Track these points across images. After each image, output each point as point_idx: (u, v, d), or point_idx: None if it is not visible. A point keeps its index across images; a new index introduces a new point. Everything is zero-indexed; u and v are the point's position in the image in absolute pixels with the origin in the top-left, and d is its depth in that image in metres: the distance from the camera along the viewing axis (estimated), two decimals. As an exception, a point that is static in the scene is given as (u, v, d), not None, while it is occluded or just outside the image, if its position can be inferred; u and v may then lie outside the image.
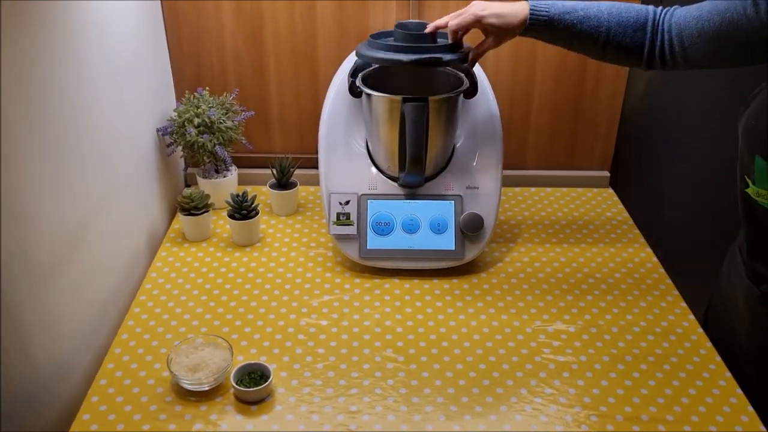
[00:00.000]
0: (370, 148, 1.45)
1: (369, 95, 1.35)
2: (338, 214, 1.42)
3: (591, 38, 1.12)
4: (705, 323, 1.31)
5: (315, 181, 1.60)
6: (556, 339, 1.26)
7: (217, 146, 1.54)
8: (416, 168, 1.34)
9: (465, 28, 1.20)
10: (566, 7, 1.13)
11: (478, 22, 1.17)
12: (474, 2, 1.19)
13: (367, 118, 1.41)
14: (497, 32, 1.18)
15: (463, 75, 1.40)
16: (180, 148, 1.57)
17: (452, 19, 1.20)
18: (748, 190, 1.06)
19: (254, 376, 1.13)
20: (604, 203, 1.73)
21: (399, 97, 1.30)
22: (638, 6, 1.13)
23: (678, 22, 1.08)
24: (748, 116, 1.06)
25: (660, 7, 1.12)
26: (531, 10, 1.13)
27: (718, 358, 1.21)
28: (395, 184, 1.44)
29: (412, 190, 1.43)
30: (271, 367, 1.13)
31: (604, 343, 1.25)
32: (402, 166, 1.37)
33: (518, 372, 1.18)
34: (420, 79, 1.45)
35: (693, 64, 1.09)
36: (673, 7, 1.10)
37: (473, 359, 1.21)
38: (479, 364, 1.19)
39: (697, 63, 1.08)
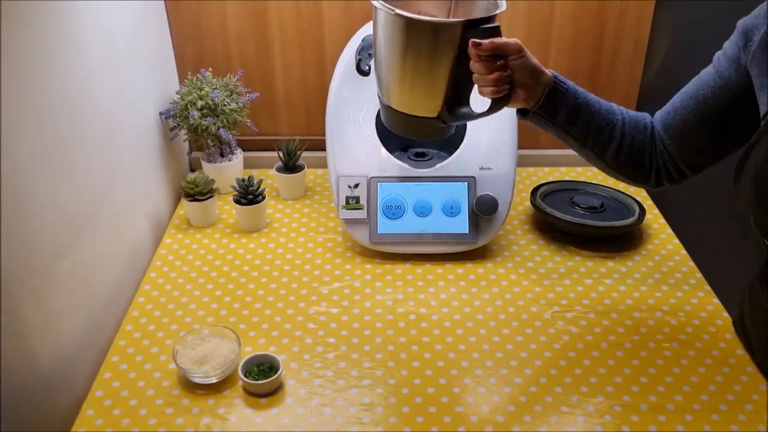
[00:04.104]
0: (386, 92, 1.14)
1: (411, 20, 1.00)
2: (347, 198, 1.37)
3: (608, 124, 1.07)
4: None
5: (323, 164, 1.55)
6: (575, 325, 1.21)
7: (221, 129, 1.49)
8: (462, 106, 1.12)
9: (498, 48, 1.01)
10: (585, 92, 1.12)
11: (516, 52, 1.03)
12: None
13: (391, 57, 1.07)
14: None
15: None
16: (183, 131, 1.53)
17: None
18: None
19: (263, 367, 1.09)
20: (621, 182, 1.67)
21: (459, 21, 1.01)
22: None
23: (657, 121, 1.07)
24: (755, 166, 0.89)
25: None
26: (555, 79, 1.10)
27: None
28: (406, 165, 1.39)
29: (424, 172, 1.38)
30: (281, 358, 1.09)
31: (625, 328, 1.20)
32: (451, 105, 1.11)
33: (537, 360, 1.13)
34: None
35: (693, 161, 1.05)
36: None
37: (489, 347, 1.16)
38: (496, 352, 1.15)
39: (694, 158, 1.04)
